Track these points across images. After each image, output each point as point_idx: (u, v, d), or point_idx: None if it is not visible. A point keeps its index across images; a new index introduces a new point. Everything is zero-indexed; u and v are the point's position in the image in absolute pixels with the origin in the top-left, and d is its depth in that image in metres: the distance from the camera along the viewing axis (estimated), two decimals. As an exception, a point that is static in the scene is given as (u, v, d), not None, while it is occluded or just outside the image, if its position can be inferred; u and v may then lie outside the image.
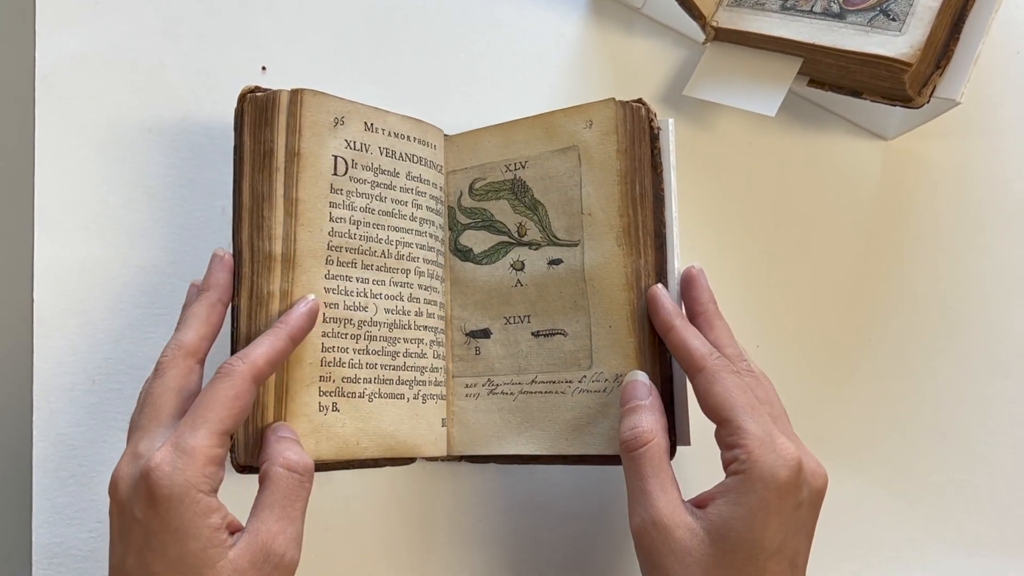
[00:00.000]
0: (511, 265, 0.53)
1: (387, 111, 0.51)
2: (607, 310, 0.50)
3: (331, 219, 0.49)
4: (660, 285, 0.49)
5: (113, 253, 0.56)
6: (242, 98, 0.49)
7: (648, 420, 0.45)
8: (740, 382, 0.44)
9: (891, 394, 0.59)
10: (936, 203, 0.61)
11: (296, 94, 0.48)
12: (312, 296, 0.48)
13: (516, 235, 0.53)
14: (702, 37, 0.60)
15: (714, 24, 0.59)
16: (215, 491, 0.41)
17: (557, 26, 0.63)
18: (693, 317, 0.49)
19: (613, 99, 0.50)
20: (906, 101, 0.54)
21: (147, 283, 0.56)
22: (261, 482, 0.43)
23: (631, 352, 0.49)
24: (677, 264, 0.50)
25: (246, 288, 0.48)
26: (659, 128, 0.50)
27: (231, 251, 0.48)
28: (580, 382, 0.50)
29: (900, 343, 0.60)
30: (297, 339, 0.46)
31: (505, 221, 0.53)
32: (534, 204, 0.52)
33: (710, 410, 0.44)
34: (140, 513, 0.40)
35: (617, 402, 0.49)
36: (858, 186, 0.61)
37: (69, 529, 0.53)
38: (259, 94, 0.49)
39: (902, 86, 0.53)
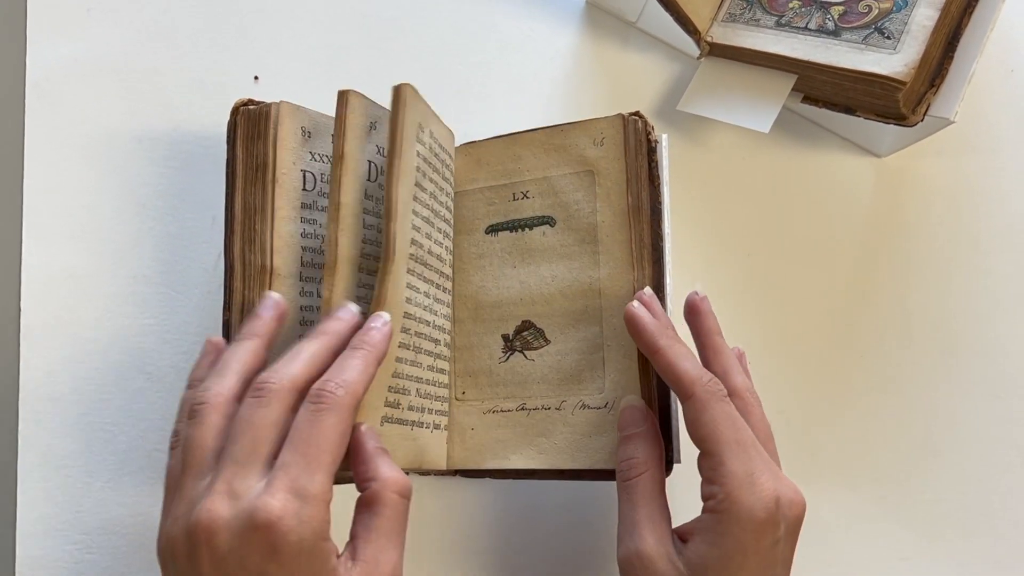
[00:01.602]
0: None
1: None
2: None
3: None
4: (636, 303, 0.47)
5: (102, 262, 0.55)
6: (235, 111, 0.48)
7: (643, 450, 0.45)
8: (729, 412, 0.43)
9: (884, 412, 0.59)
10: (929, 221, 0.61)
11: (343, 95, 0.47)
12: (387, 314, 0.44)
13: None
14: (696, 52, 0.60)
15: (709, 39, 0.59)
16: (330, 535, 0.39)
17: (552, 39, 0.63)
18: (699, 348, 0.48)
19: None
20: (900, 119, 0.54)
21: (136, 293, 0.55)
22: (372, 505, 0.40)
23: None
24: (669, 280, 0.49)
25: (237, 303, 0.47)
26: (656, 141, 0.50)
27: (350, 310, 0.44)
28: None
29: (893, 360, 0.60)
30: (380, 363, 0.43)
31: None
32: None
33: (697, 439, 0.43)
34: (255, 566, 0.36)
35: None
36: (851, 203, 0.61)
37: (54, 541, 0.52)
38: (252, 107, 0.48)
39: (896, 104, 0.53)
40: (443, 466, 0.51)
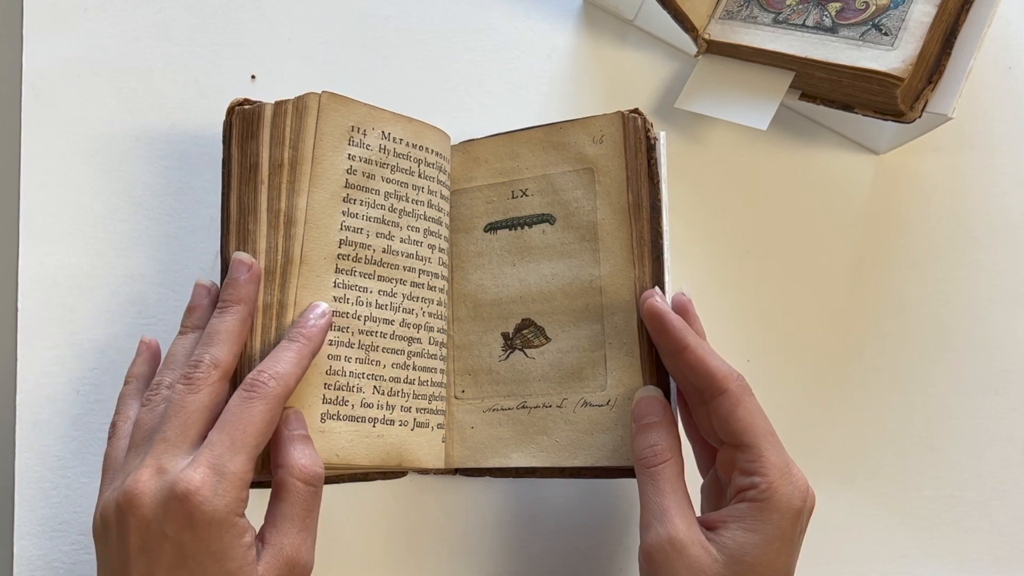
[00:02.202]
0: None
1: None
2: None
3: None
4: (658, 298, 0.47)
5: (99, 262, 0.55)
6: (231, 111, 0.48)
7: (665, 438, 0.45)
8: (759, 405, 0.44)
9: (882, 408, 0.59)
10: (927, 218, 0.61)
11: (280, 105, 0.48)
12: (325, 304, 0.47)
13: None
14: (694, 50, 0.60)
15: (706, 37, 0.59)
16: (244, 513, 0.41)
17: (549, 37, 0.63)
18: None
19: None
20: (898, 116, 0.54)
21: (134, 292, 0.55)
22: (278, 491, 0.43)
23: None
24: (668, 278, 0.49)
25: None
26: (656, 138, 0.49)
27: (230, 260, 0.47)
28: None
29: (891, 357, 0.59)
30: (315, 354, 0.46)
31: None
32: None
33: (731, 434, 0.44)
34: (173, 533, 0.39)
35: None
36: (849, 200, 0.61)
37: (52, 542, 0.52)
38: (247, 107, 0.48)
39: (894, 100, 0.53)
40: (439, 464, 0.51)
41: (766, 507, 0.42)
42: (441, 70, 0.61)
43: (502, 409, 0.52)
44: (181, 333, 0.47)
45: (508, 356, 0.52)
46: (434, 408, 0.51)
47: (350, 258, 0.48)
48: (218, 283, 0.47)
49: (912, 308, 0.60)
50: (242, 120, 0.48)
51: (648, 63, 0.63)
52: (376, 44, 0.61)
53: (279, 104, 0.48)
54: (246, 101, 0.48)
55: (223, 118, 0.49)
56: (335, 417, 0.47)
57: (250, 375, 0.43)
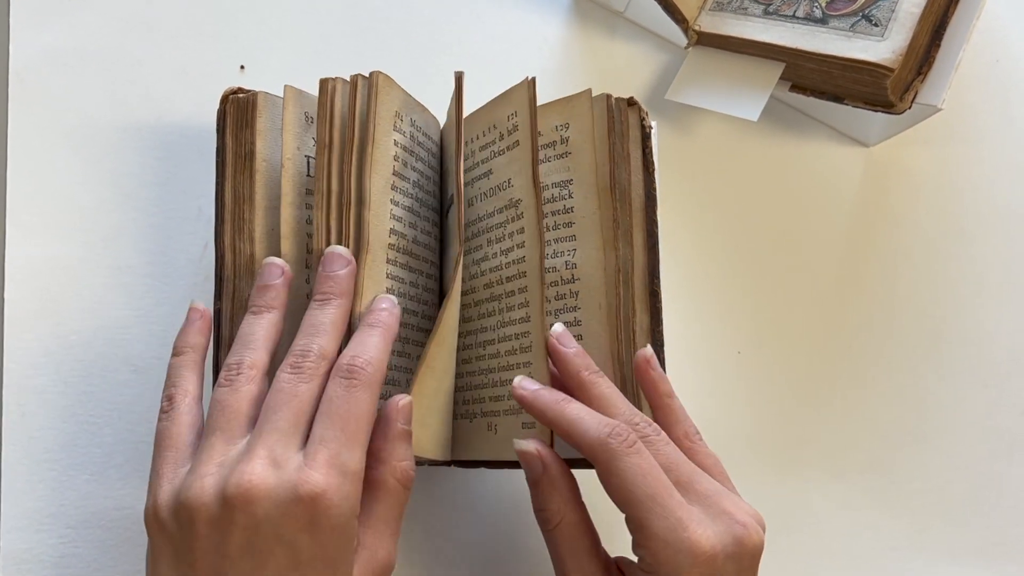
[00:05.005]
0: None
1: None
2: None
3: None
4: (526, 384, 0.44)
5: (87, 253, 0.55)
6: (224, 99, 0.48)
7: (552, 499, 0.43)
8: (636, 464, 0.41)
9: (872, 401, 0.59)
10: (917, 209, 0.62)
11: (326, 83, 0.46)
12: (393, 298, 0.44)
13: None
14: (684, 41, 0.60)
15: (696, 28, 0.59)
16: None
17: (540, 29, 0.63)
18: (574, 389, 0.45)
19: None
20: (888, 107, 0.55)
21: (121, 284, 0.55)
22: (375, 490, 0.40)
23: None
24: (661, 268, 0.49)
25: (228, 292, 0.47)
26: (651, 127, 0.49)
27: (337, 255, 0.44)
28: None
29: (881, 350, 0.60)
30: (392, 342, 0.43)
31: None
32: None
33: (613, 501, 0.41)
34: (290, 536, 0.36)
35: None
36: (839, 192, 0.62)
37: (38, 535, 0.52)
38: (241, 95, 0.48)
39: (884, 91, 0.54)
40: (446, 456, 0.50)
41: None
42: (431, 61, 0.61)
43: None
44: (254, 313, 0.43)
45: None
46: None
47: (395, 248, 0.47)
48: (212, 270, 0.47)
49: (901, 300, 0.60)
50: (236, 109, 0.48)
51: (638, 55, 0.63)
52: (366, 35, 0.61)
53: (324, 81, 0.46)
54: (240, 90, 0.48)
55: (212, 108, 0.49)
56: None
57: (344, 361, 0.40)
